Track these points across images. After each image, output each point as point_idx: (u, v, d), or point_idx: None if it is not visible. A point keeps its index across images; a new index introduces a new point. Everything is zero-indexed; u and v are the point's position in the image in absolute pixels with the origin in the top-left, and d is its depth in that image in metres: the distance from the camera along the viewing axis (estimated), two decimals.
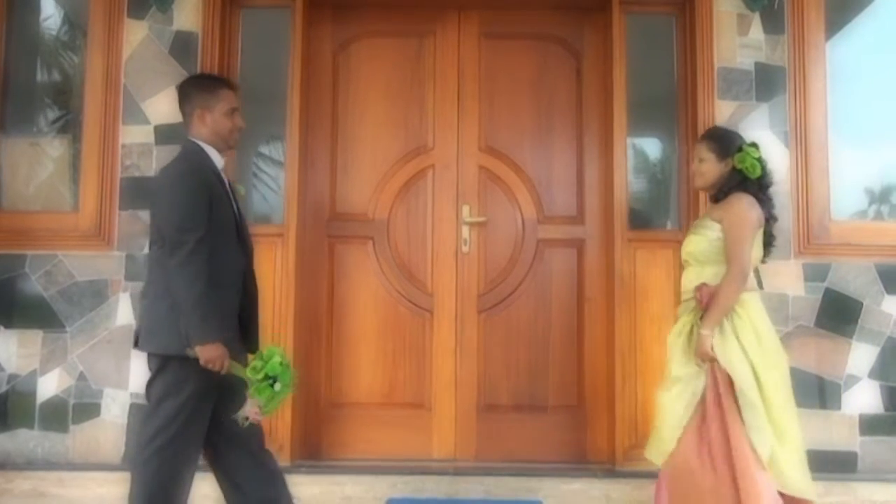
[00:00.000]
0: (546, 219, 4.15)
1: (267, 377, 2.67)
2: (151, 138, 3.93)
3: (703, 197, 3.88)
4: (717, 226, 3.01)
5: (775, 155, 3.93)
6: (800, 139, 3.94)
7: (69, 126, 4.15)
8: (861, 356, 3.85)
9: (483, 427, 4.03)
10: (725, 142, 3.11)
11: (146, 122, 3.94)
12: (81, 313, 3.86)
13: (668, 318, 3.97)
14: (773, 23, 4.00)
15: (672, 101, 4.11)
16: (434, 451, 4.00)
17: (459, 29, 4.21)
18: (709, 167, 3.10)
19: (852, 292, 3.88)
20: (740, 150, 3.06)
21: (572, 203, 4.17)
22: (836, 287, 3.88)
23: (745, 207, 2.98)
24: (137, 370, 3.80)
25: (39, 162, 4.16)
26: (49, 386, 3.83)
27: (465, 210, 4.11)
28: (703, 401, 2.92)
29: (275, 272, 3.95)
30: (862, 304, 3.87)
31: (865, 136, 4.10)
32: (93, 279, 3.88)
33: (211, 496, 3.14)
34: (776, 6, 4.00)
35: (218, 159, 2.93)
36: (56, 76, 4.33)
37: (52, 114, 4.28)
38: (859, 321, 3.86)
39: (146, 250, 3.84)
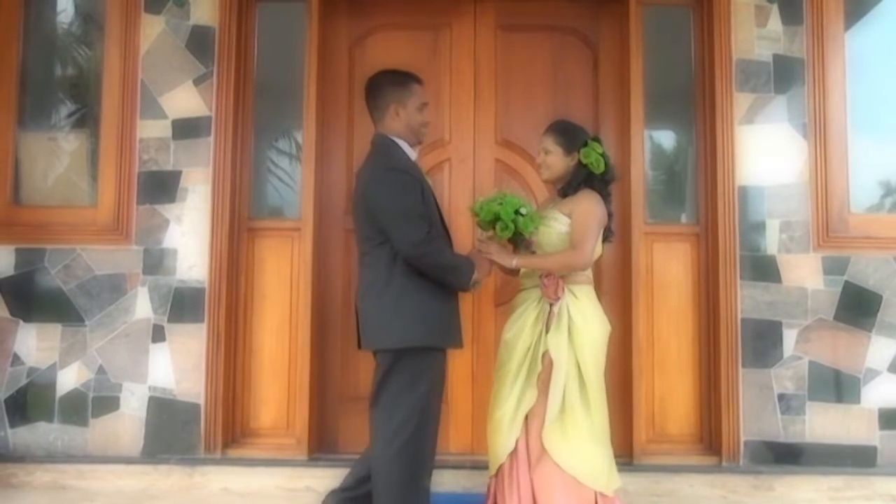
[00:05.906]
0: None
1: (515, 226, 2.91)
2: (169, 132, 3.95)
3: (720, 190, 3.88)
4: (566, 220, 3.07)
5: (794, 147, 3.92)
6: (818, 131, 3.91)
7: (86, 120, 4.17)
8: (880, 349, 3.83)
9: None
10: (571, 136, 3.16)
11: (164, 116, 3.96)
12: (100, 307, 3.89)
13: (686, 312, 3.98)
14: (791, 14, 3.98)
15: (689, 93, 4.09)
16: (451, 445, 4.00)
17: (475, 21, 4.20)
18: (555, 160, 3.14)
19: (871, 285, 3.85)
20: (585, 144, 3.11)
21: None
22: (856, 280, 3.85)
23: (594, 204, 3.07)
24: (156, 364, 3.85)
25: (57, 156, 4.18)
26: (68, 379, 3.86)
27: None
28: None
29: (291, 266, 3.99)
30: (881, 297, 3.85)
31: (884, 127, 4.07)
32: (111, 273, 3.90)
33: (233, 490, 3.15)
34: None
35: (411, 153, 2.98)
36: (73, 71, 4.34)
37: (70, 108, 4.29)
38: (879, 314, 3.84)
39: (164, 244, 3.89)
